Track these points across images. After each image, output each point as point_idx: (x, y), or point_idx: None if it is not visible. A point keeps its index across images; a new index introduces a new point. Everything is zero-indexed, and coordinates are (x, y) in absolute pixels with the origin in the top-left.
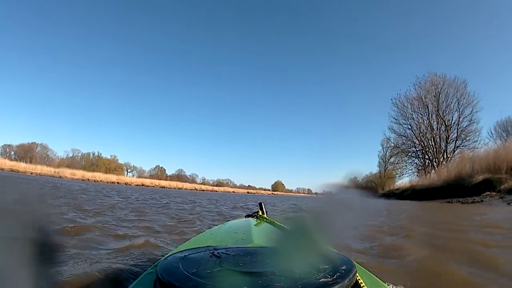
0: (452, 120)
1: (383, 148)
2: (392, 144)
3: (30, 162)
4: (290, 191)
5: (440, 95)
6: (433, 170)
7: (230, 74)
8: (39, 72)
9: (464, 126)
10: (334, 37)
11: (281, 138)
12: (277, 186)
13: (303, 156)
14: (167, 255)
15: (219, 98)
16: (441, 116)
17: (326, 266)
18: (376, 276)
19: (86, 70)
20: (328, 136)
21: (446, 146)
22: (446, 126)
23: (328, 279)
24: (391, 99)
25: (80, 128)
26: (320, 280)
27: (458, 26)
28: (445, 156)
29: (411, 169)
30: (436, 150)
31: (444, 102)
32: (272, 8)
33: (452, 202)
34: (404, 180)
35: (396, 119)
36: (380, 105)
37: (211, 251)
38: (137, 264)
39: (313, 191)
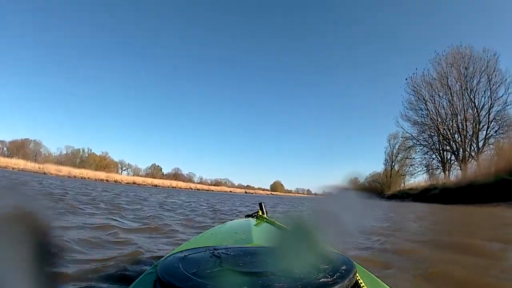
0: (483, 101)
1: (390, 144)
2: (407, 135)
3: (19, 158)
4: (290, 191)
5: (468, 70)
6: (457, 166)
7: (229, 73)
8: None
9: (497, 110)
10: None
11: (280, 138)
12: (276, 186)
13: (302, 157)
14: (167, 255)
15: (220, 97)
16: (469, 96)
17: (326, 266)
18: (376, 276)
19: (86, 67)
20: (328, 136)
21: (477, 134)
22: (476, 108)
23: (328, 279)
24: (406, 79)
25: (76, 126)
26: (320, 280)
27: None
28: (473, 147)
29: (425, 165)
30: (463, 139)
31: (472, 80)
32: (278, 9)
33: None
34: (418, 179)
35: (411, 103)
36: (386, 99)
37: (211, 251)
38: (137, 264)
39: (312, 192)
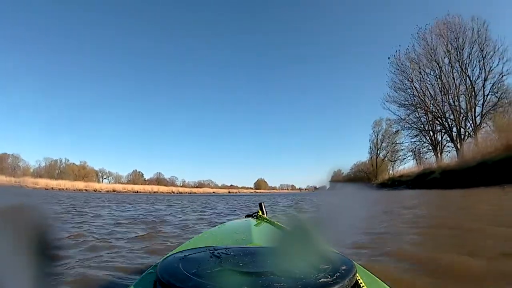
0: (476, 74)
1: (374, 131)
2: (393, 117)
3: None
4: (274, 188)
5: (458, 41)
6: (451, 147)
7: (205, 71)
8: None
9: (492, 82)
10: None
11: (261, 135)
12: (259, 184)
13: (284, 152)
14: (167, 255)
15: (197, 98)
16: (461, 67)
17: (326, 266)
18: (376, 276)
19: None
20: (310, 131)
21: (473, 109)
22: (471, 81)
23: (328, 279)
24: (389, 57)
25: (56, 137)
26: (320, 280)
27: None
28: (470, 124)
29: (412, 150)
30: (457, 116)
31: (462, 52)
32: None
33: None
34: (408, 165)
35: (395, 83)
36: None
37: (211, 251)
38: (137, 264)
39: (297, 187)
